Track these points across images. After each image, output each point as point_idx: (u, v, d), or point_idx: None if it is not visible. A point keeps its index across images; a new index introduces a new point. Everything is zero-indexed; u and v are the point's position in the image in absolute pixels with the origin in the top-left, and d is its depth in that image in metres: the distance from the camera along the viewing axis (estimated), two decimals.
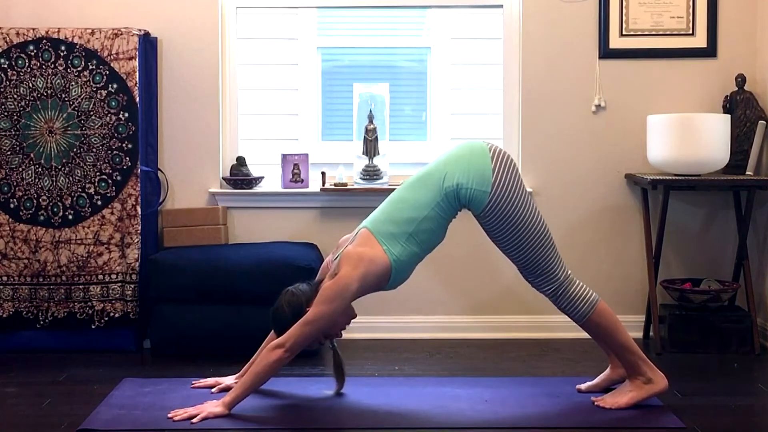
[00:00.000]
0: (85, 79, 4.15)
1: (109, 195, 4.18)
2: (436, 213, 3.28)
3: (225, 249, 4.26)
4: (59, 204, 4.17)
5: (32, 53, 4.15)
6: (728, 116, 4.22)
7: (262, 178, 4.48)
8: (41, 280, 4.18)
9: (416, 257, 3.32)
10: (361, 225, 3.36)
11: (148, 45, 4.30)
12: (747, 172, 4.29)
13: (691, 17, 4.41)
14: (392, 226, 3.28)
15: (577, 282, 3.35)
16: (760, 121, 4.27)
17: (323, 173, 4.44)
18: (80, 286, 4.18)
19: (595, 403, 3.34)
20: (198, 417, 3.15)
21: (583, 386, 3.51)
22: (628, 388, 3.36)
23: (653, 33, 4.42)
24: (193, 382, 3.59)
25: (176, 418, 3.16)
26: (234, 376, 3.54)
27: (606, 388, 3.47)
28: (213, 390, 3.48)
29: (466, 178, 3.24)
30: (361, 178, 4.42)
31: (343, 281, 3.21)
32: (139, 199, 4.19)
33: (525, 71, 4.45)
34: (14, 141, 4.16)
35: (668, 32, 4.42)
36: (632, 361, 3.35)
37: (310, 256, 4.18)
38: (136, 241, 4.19)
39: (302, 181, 4.45)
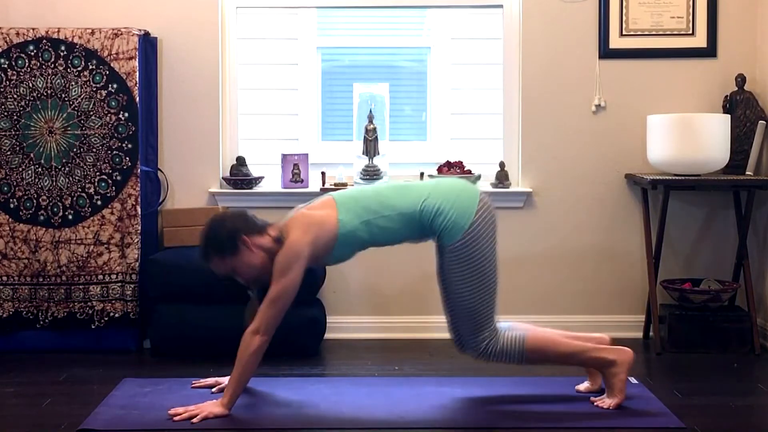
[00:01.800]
0: (85, 79, 4.15)
1: (109, 195, 4.18)
2: (400, 222, 3.27)
3: None
4: (59, 204, 4.17)
5: (32, 53, 4.15)
6: (728, 116, 4.22)
7: (262, 178, 4.48)
8: (41, 280, 4.18)
9: (360, 243, 3.31)
10: (327, 194, 3.38)
11: (148, 45, 4.30)
12: (747, 172, 4.29)
13: (691, 17, 4.41)
14: (357, 204, 3.28)
15: (501, 329, 3.33)
16: (760, 121, 4.27)
17: (323, 173, 4.44)
18: (80, 286, 4.18)
19: (595, 404, 3.34)
20: (198, 417, 3.14)
21: (581, 387, 3.51)
22: (610, 383, 3.35)
23: (653, 33, 4.42)
24: (193, 382, 3.59)
25: (176, 418, 3.16)
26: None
27: (603, 389, 3.47)
28: (213, 390, 3.48)
29: (449, 207, 3.25)
30: (361, 178, 4.42)
31: (293, 250, 3.19)
32: (139, 199, 4.19)
33: (525, 71, 4.45)
34: (14, 141, 4.16)
35: (668, 32, 4.42)
36: (592, 358, 3.34)
37: None
38: (136, 241, 4.19)
39: (302, 181, 4.45)
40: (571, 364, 3.41)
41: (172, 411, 3.20)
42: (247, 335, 3.20)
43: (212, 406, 3.20)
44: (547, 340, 3.34)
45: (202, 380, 3.59)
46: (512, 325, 3.41)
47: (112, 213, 4.18)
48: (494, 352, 3.29)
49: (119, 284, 4.18)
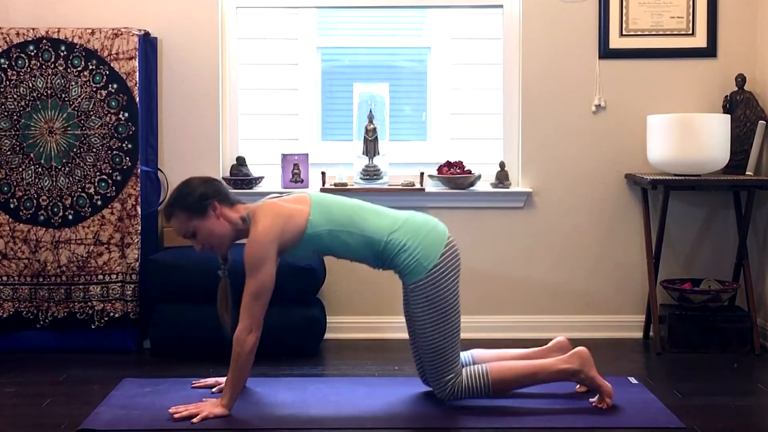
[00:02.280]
0: (85, 79, 4.15)
1: (109, 195, 4.18)
2: (362, 243, 3.28)
3: None
4: (59, 204, 4.17)
5: (32, 53, 4.15)
6: (728, 116, 4.22)
7: (262, 178, 4.48)
8: (41, 280, 4.18)
9: (320, 248, 3.32)
10: (304, 191, 3.38)
11: (148, 45, 4.30)
12: (747, 172, 4.29)
13: (691, 17, 4.41)
14: (329, 211, 3.29)
15: (463, 364, 3.36)
16: (760, 121, 4.27)
17: (323, 173, 4.44)
18: (80, 286, 4.18)
19: (594, 405, 3.34)
20: (198, 417, 3.15)
21: (582, 387, 3.51)
22: (587, 386, 3.38)
23: (653, 33, 4.42)
24: (193, 382, 3.59)
25: (176, 416, 3.17)
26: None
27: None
28: (213, 390, 3.48)
29: (415, 246, 3.26)
30: (361, 178, 4.42)
31: (261, 243, 3.19)
32: (139, 199, 4.19)
33: (525, 71, 4.45)
34: (14, 141, 4.16)
35: (668, 32, 4.42)
36: (555, 372, 3.35)
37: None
38: (136, 241, 4.19)
39: (302, 181, 4.45)
40: (538, 384, 3.41)
41: (172, 409, 3.20)
42: (240, 335, 3.20)
43: (212, 406, 3.20)
44: (509, 367, 3.36)
45: (202, 380, 3.59)
46: (473, 356, 3.46)
47: (112, 213, 4.18)
48: (460, 391, 3.30)
49: (119, 284, 4.18)
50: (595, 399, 3.37)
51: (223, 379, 3.48)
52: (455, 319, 3.30)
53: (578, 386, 3.49)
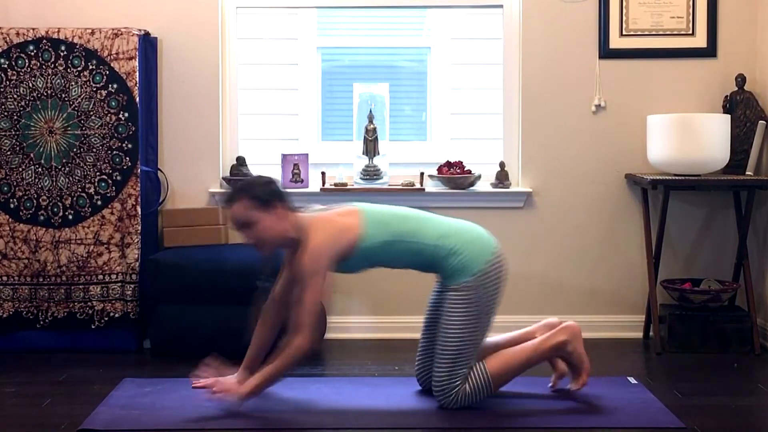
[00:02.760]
0: (85, 79, 4.15)
1: (109, 195, 4.18)
2: (413, 252, 3.32)
3: (225, 249, 4.27)
4: (59, 204, 4.17)
5: (32, 53, 4.15)
6: (728, 116, 4.22)
7: None
8: (41, 280, 4.18)
9: (373, 261, 3.36)
10: (351, 204, 3.40)
11: (148, 45, 4.30)
12: (747, 172, 4.29)
13: (691, 17, 4.41)
14: (384, 223, 3.32)
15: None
16: (760, 121, 4.27)
17: (323, 173, 4.44)
18: (80, 286, 4.18)
19: (570, 389, 3.43)
20: (214, 395, 3.21)
21: (552, 381, 3.55)
22: (571, 362, 3.44)
23: (653, 33, 4.42)
24: (193, 381, 3.58)
25: (196, 383, 3.26)
26: (234, 375, 3.53)
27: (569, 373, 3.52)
28: (214, 389, 3.48)
29: (464, 250, 3.29)
30: (361, 178, 4.43)
31: (316, 255, 3.21)
32: (139, 199, 4.19)
33: (525, 71, 4.45)
34: (14, 141, 4.16)
35: (668, 32, 4.42)
36: (548, 349, 3.40)
37: None
38: (136, 241, 4.19)
39: (302, 181, 4.45)
40: (535, 365, 3.43)
41: (192, 378, 3.30)
42: (297, 338, 3.20)
43: (231, 387, 3.25)
44: (505, 360, 3.37)
45: (202, 380, 3.58)
46: None
47: (112, 213, 4.18)
48: (464, 396, 3.29)
49: (119, 284, 4.18)
50: (572, 382, 3.43)
51: (223, 379, 3.47)
52: (484, 328, 3.32)
53: (557, 369, 3.52)
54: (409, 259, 3.36)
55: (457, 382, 3.28)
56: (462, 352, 3.28)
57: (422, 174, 4.44)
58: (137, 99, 4.17)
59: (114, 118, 4.16)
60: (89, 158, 4.17)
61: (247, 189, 3.29)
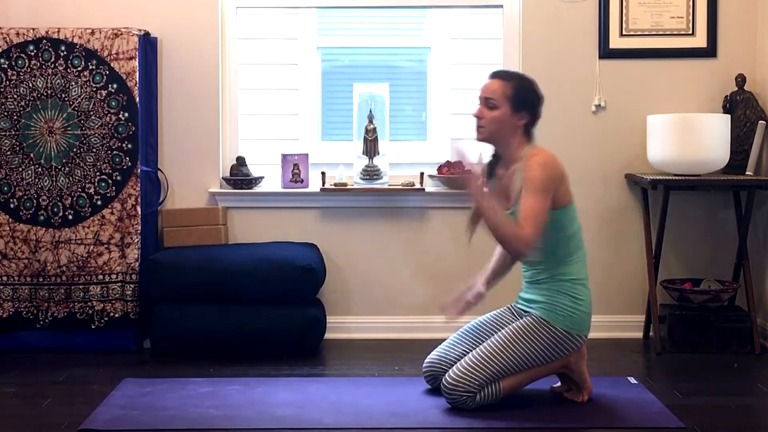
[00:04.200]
0: (85, 79, 4.15)
1: (109, 195, 4.18)
2: (565, 255, 3.38)
3: (225, 249, 4.27)
4: (59, 204, 4.17)
5: (32, 53, 4.15)
6: (728, 116, 4.22)
7: (262, 178, 4.48)
8: (41, 280, 4.18)
9: (569, 229, 3.37)
10: None
11: (148, 45, 4.30)
12: (747, 172, 4.29)
13: (691, 17, 4.41)
14: (579, 223, 3.41)
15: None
16: (760, 121, 4.27)
17: (323, 173, 4.44)
18: (80, 286, 4.18)
19: (568, 397, 3.43)
20: (472, 186, 3.18)
21: (556, 387, 3.54)
22: (574, 379, 3.43)
23: (653, 33, 4.42)
24: (445, 307, 3.59)
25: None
26: (482, 282, 3.61)
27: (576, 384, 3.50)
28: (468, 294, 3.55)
29: (583, 300, 3.42)
30: (361, 178, 4.42)
31: (549, 169, 3.21)
32: (139, 199, 4.19)
33: (525, 71, 4.43)
34: (14, 141, 4.16)
35: (668, 32, 4.42)
36: (552, 367, 3.39)
37: (310, 256, 4.18)
38: (136, 241, 4.19)
39: (302, 181, 4.45)
40: (542, 377, 3.41)
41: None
42: (523, 232, 3.15)
43: (482, 191, 3.21)
44: (518, 381, 3.35)
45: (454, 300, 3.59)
46: None
47: (112, 213, 4.18)
48: (472, 402, 3.28)
49: (119, 284, 4.18)
50: (569, 393, 3.43)
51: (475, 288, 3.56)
52: (525, 367, 3.30)
53: (557, 385, 3.51)
54: (558, 256, 3.36)
55: (476, 390, 3.28)
56: (499, 372, 3.28)
57: (422, 174, 4.44)
58: (137, 99, 4.17)
59: (114, 118, 4.16)
60: (89, 158, 4.17)
61: (519, 81, 3.34)
